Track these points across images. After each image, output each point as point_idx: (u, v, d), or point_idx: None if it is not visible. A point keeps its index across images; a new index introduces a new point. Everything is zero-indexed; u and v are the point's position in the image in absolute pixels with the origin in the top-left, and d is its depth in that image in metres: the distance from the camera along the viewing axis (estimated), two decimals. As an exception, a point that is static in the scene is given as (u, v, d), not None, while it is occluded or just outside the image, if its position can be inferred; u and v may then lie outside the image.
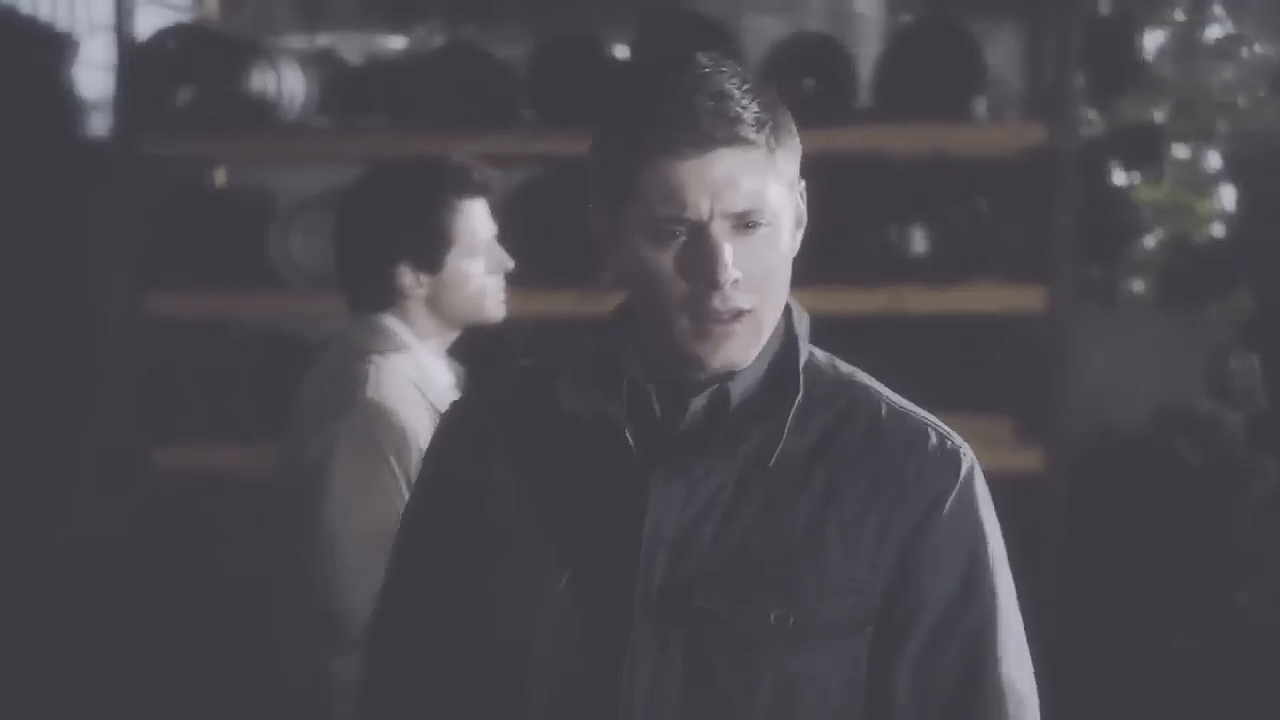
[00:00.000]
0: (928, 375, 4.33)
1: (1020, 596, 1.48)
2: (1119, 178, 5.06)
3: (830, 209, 4.35)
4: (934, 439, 1.46)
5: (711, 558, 1.40)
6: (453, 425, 1.55)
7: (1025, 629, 1.48)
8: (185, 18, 5.28)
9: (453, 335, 2.39)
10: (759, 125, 1.38)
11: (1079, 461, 4.45)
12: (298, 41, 5.52)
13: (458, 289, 2.32)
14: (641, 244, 1.39)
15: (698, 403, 1.42)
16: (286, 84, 4.72)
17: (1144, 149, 5.11)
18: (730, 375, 1.42)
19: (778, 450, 1.41)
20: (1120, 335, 4.87)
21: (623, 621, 1.39)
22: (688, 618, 1.39)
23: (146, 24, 4.94)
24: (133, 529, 4.38)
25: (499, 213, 2.44)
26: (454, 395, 2.28)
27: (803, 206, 1.46)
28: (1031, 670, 1.47)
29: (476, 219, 2.34)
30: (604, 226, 1.43)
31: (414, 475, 2.10)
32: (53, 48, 5.26)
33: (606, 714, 1.39)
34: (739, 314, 1.39)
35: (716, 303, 1.37)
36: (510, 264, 2.39)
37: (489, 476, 1.47)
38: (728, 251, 1.37)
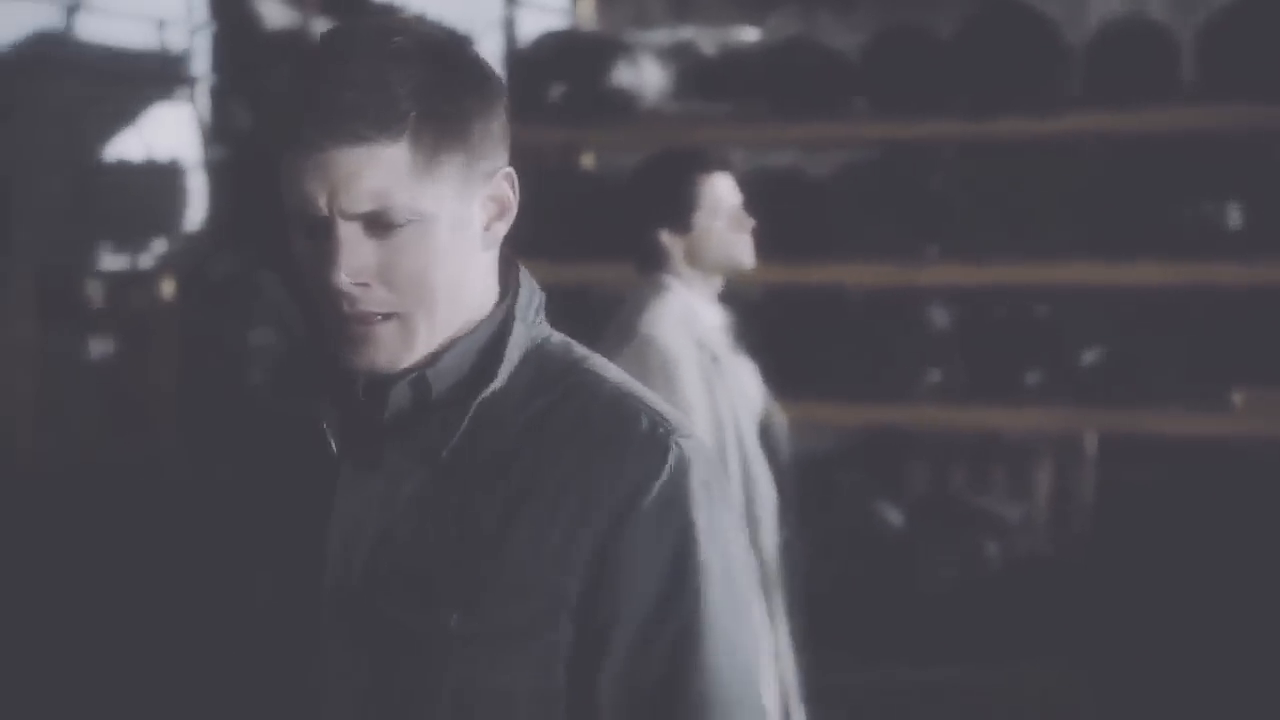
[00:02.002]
0: (1238, 349, 4.52)
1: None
2: None
3: (1145, 183, 4.64)
4: (644, 424, 1.30)
5: (402, 558, 1.30)
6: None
7: None
8: (564, 17, 5.95)
9: (716, 282, 2.91)
10: (392, 120, 1.25)
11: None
12: (662, 35, 6.07)
13: (707, 245, 2.83)
14: (294, 235, 1.30)
15: (398, 393, 1.30)
16: (647, 76, 5.31)
17: None
18: (432, 362, 1.31)
19: (453, 441, 1.30)
20: None
21: (309, 632, 1.32)
22: (373, 623, 1.30)
23: (529, 24, 5.64)
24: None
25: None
26: (722, 332, 2.83)
27: (509, 195, 1.33)
28: (752, 684, 1.32)
29: (719, 188, 2.85)
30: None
31: (683, 393, 2.68)
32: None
33: None
34: (382, 316, 1.28)
35: (344, 306, 1.27)
36: (751, 223, 2.88)
37: (236, 488, 1.45)
38: (349, 253, 1.26)
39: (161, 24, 7.56)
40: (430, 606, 1.28)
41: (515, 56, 5.27)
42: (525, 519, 1.28)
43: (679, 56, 5.62)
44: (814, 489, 4.91)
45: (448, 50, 1.30)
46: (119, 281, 6.43)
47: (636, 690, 1.28)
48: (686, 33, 6.29)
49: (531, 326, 1.35)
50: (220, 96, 6.01)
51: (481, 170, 1.31)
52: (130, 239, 6.88)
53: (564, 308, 4.90)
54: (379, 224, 1.26)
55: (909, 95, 4.92)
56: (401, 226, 1.27)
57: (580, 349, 1.37)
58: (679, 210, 2.84)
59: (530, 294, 1.36)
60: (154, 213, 6.99)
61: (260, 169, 5.87)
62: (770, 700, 2.79)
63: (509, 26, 5.37)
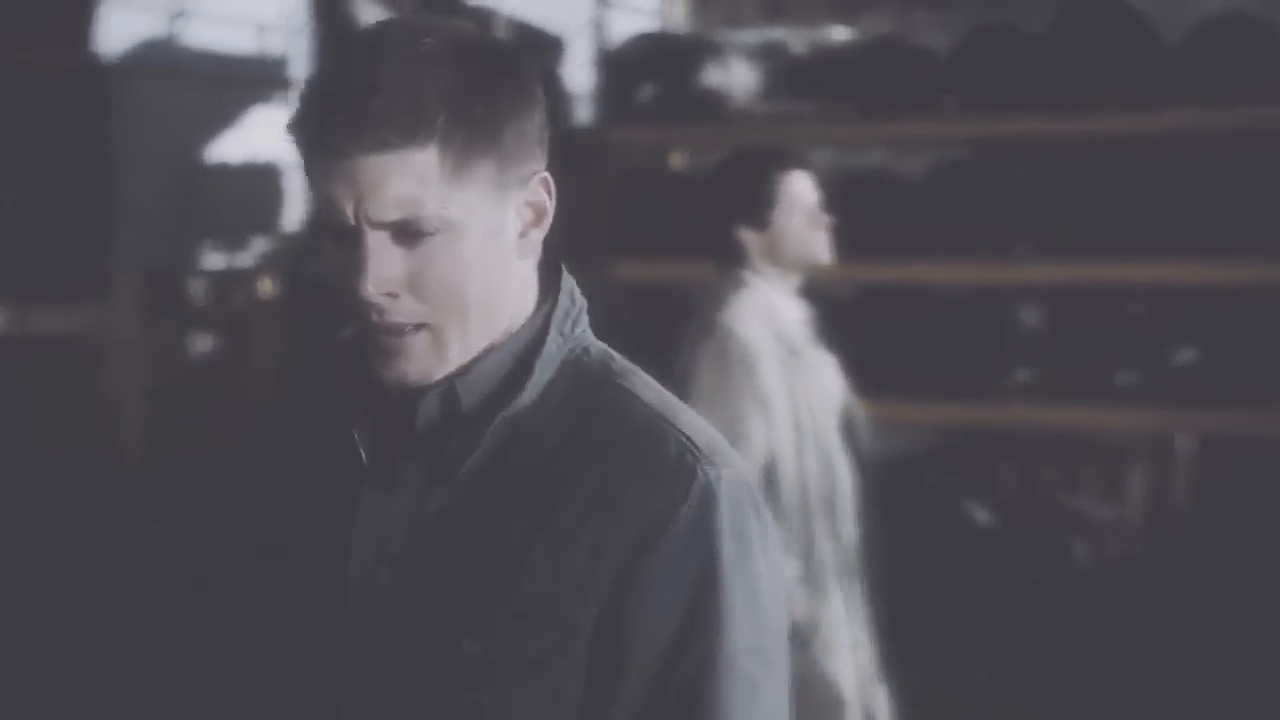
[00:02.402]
0: None
1: None
2: None
3: (1241, 180, 4.55)
4: (672, 451, 1.24)
5: (420, 577, 1.25)
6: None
7: None
8: (654, 18, 5.99)
9: (794, 278, 2.94)
10: (420, 125, 1.19)
11: None
12: (753, 36, 6.09)
13: (785, 242, 2.87)
14: (326, 240, 1.25)
15: (428, 404, 1.26)
16: (736, 76, 5.33)
17: None
18: (463, 373, 1.26)
19: (473, 458, 1.25)
20: None
21: (332, 650, 1.29)
22: (390, 644, 1.26)
23: (620, 25, 5.69)
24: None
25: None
26: (802, 327, 2.86)
27: (545, 200, 1.29)
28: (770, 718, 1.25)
29: (796, 185, 2.89)
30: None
31: (762, 385, 2.71)
32: (549, 49, 6.12)
33: None
34: (413, 327, 1.24)
35: (373, 316, 1.22)
36: (829, 220, 2.90)
37: (278, 498, 1.41)
38: (377, 262, 1.21)
39: (261, 29, 7.72)
40: (444, 629, 1.24)
41: (606, 58, 5.33)
42: (545, 544, 1.22)
43: (769, 56, 5.64)
44: (903, 488, 4.91)
45: (480, 51, 1.24)
46: (220, 280, 6.58)
47: None
48: (777, 33, 6.31)
49: (569, 338, 1.30)
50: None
51: (515, 175, 1.26)
52: (231, 238, 7.04)
53: (654, 306, 4.97)
54: (408, 232, 1.21)
55: (999, 93, 4.90)
56: (431, 235, 1.22)
57: (620, 362, 1.32)
58: (757, 208, 2.87)
59: (570, 303, 1.31)
60: (254, 213, 7.14)
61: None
62: (849, 692, 2.81)
63: (600, 28, 5.43)
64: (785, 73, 5.49)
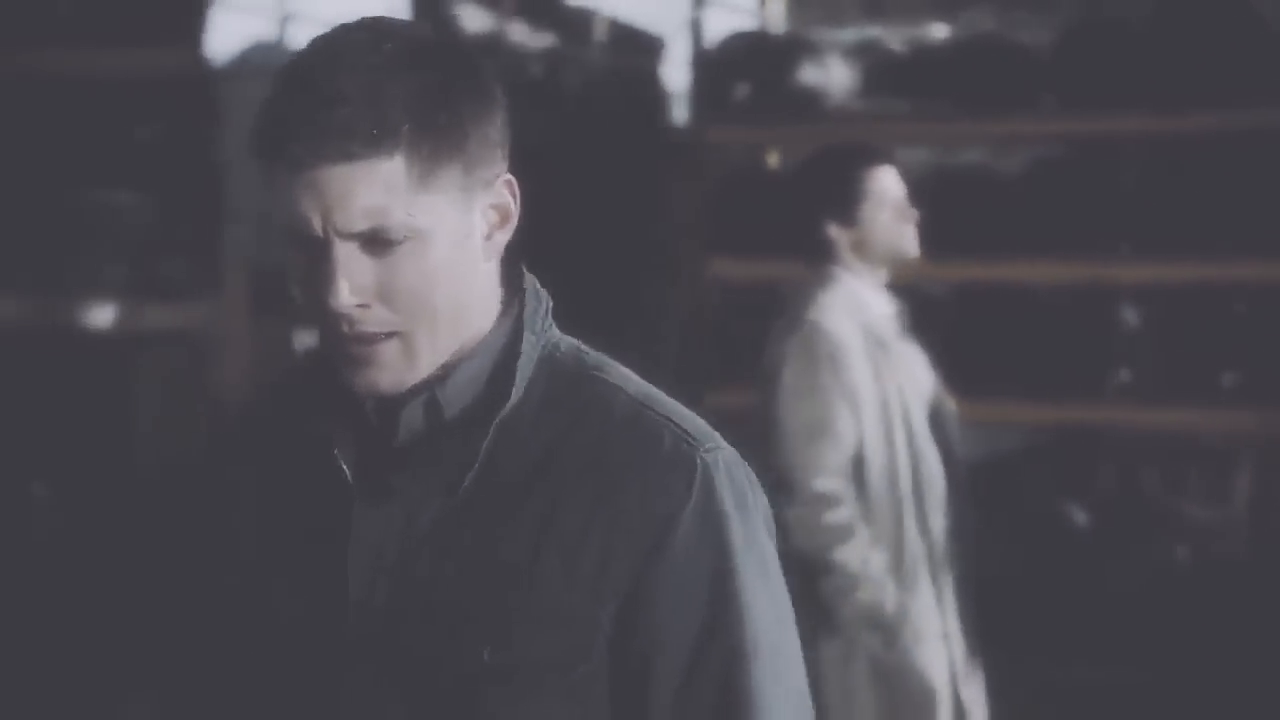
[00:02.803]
0: None
1: None
2: None
3: None
4: (667, 442, 1.26)
5: (428, 591, 1.25)
6: (218, 461, 1.43)
7: None
8: (751, 17, 6.01)
9: (883, 273, 2.95)
10: (385, 135, 1.19)
11: None
12: (850, 34, 6.08)
13: (873, 237, 2.88)
14: (290, 252, 1.24)
15: (410, 414, 1.26)
16: (834, 75, 5.33)
17: None
18: (441, 381, 1.26)
19: (476, 464, 1.25)
20: None
21: (334, 666, 1.26)
22: (401, 661, 1.24)
23: (718, 24, 5.72)
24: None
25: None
26: (890, 321, 2.87)
27: (510, 202, 1.29)
28: (800, 689, 1.28)
29: (882, 181, 2.90)
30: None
31: (850, 378, 2.74)
32: (648, 49, 6.17)
33: None
34: (385, 335, 1.23)
35: (344, 327, 1.22)
36: (916, 214, 2.91)
37: (244, 512, 1.38)
38: (346, 273, 1.21)
39: (366, 31, 7.84)
40: (461, 641, 1.23)
41: (702, 57, 5.36)
42: (553, 548, 1.23)
43: (866, 55, 5.63)
44: (1001, 487, 4.88)
45: (440, 55, 1.24)
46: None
47: (689, 717, 1.23)
48: (875, 31, 6.29)
49: (541, 336, 1.31)
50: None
51: (480, 179, 1.26)
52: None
53: (751, 304, 4.99)
54: (376, 241, 1.21)
55: (1100, 90, 4.85)
56: (400, 243, 1.21)
57: (592, 355, 1.32)
58: (846, 203, 2.90)
59: (537, 301, 1.32)
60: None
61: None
62: (940, 682, 2.81)
63: (696, 27, 5.46)
64: (883, 71, 5.48)
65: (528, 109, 6.21)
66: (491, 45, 5.95)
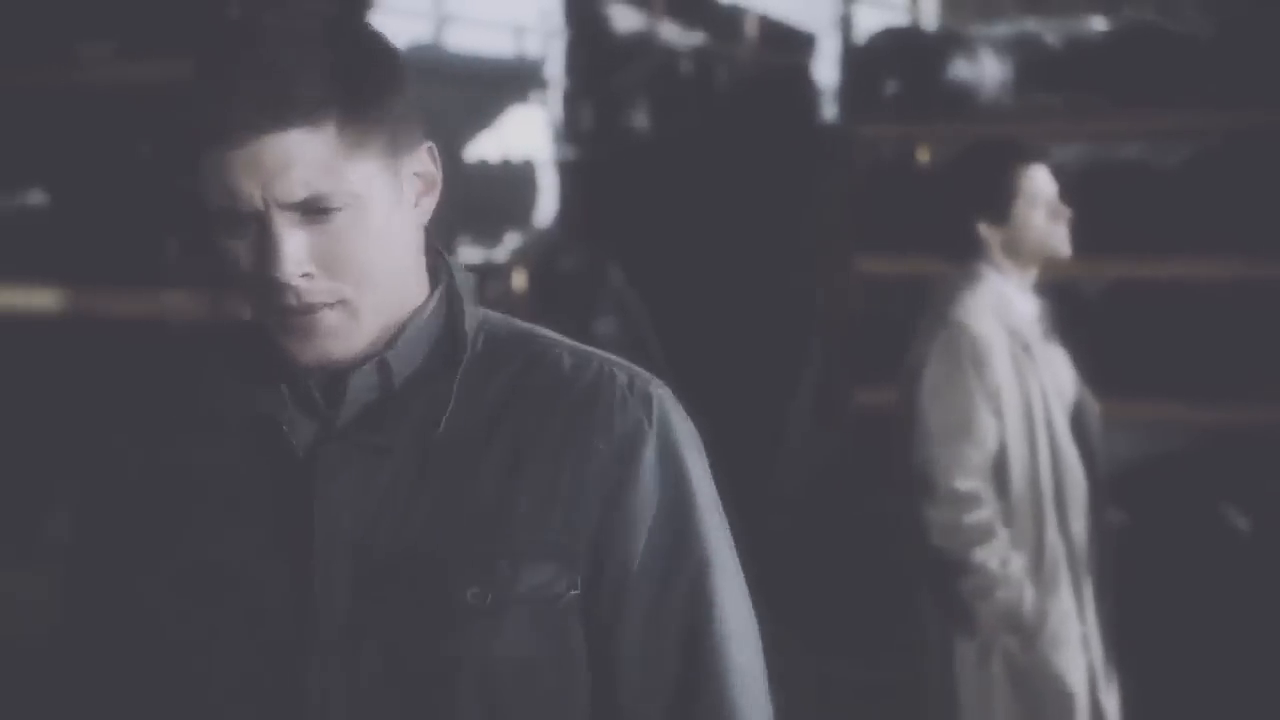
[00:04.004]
0: None
1: None
2: None
3: None
4: (621, 379, 1.33)
5: (400, 544, 1.27)
6: (97, 459, 1.39)
7: None
8: (902, 13, 5.97)
9: (1032, 271, 2.91)
10: (317, 103, 1.22)
11: None
12: (1004, 28, 5.99)
13: (1025, 236, 2.84)
14: (217, 232, 1.26)
15: (359, 382, 1.29)
16: (986, 70, 5.27)
17: None
18: (389, 346, 1.29)
19: (446, 415, 1.29)
20: None
21: (305, 638, 1.26)
22: (379, 610, 1.26)
23: (869, 20, 5.69)
24: (839, 457, 5.15)
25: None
26: (1036, 323, 2.83)
27: (433, 168, 1.32)
28: (749, 603, 1.36)
29: (1035, 179, 2.85)
30: (189, 210, 1.26)
31: (992, 379, 2.71)
32: (799, 45, 6.17)
33: None
34: (330, 305, 1.25)
35: (290, 299, 1.24)
36: (1068, 213, 2.85)
37: (136, 509, 1.34)
38: (289, 244, 1.23)
39: (519, 31, 7.98)
40: (443, 584, 1.26)
41: (852, 53, 5.33)
42: (524, 486, 1.29)
43: (1021, 49, 5.55)
44: (1160, 489, 4.77)
45: (352, 29, 1.28)
46: (476, 272, 6.79)
47: (663, 633, 1.30)
48: (1030, 24, 6.20)
49: (475, 302, 1.35)
50: (572, 99, 6.31)
51: (405, 145, 1.29)
52: (487, 232, 7.30)
53: (899, 302, 4.94)
54: (315, 210, 1.23)
55: (1263, 80, 4.71)
56: (339, 210, 1.24)
57: (522, 323, 1.38)
58: (997, 201, 2.86)
59: (465, 274, 1.36)
60: (509, 208, 7.38)
61: (608, 168, 6.12)
62: (1079, 687, 2.77)
63: (846, 23, 5.44)
64: (1037, 65, 5.39)
65: (679, 107, 6.24)
66: (643, 44, 6.00)
